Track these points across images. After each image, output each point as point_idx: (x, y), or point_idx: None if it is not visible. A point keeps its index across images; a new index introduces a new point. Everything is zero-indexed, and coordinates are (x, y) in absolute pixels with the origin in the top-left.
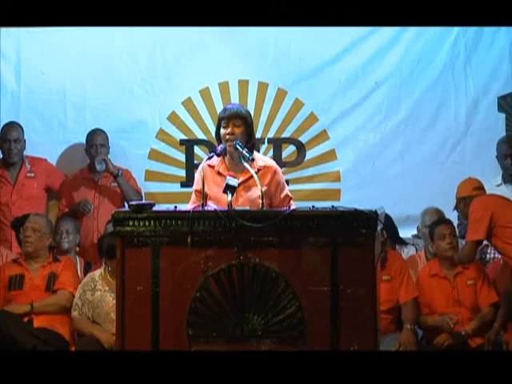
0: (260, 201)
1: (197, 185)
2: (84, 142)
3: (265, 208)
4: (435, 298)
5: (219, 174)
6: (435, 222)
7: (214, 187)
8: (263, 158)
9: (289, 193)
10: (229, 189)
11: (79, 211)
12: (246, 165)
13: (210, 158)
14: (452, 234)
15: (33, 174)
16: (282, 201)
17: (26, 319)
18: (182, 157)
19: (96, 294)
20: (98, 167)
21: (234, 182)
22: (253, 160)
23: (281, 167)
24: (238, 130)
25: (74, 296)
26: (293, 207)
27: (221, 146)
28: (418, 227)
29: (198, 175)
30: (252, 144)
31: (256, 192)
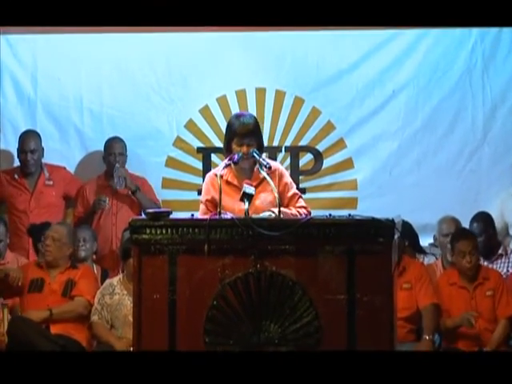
0: (277, 208)
1: (207, 195)
2: (101, 148)
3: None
4: (453, 307)
5: (227, 183)
6: (457, 235)
7: (224, 197)
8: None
9: (297, 191)
10: (246, 197)
11: (96, 209)
12: (263, 173)
13: (227, 166)
14: (472, 252)
15: (51, 182)
16: (290, 199)
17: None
18: (199, 164)
19: (114, 298)
20: (117, 186)
21: (251, 189)
22: (270, 168)
23: (298, 175)
24: (252, 148)
25: (90, 304)
26: (302, 205)
27: (237, 154)
28: (434, 236)
29: (207, 185)
30: (262, 152)
31: (267, 197)
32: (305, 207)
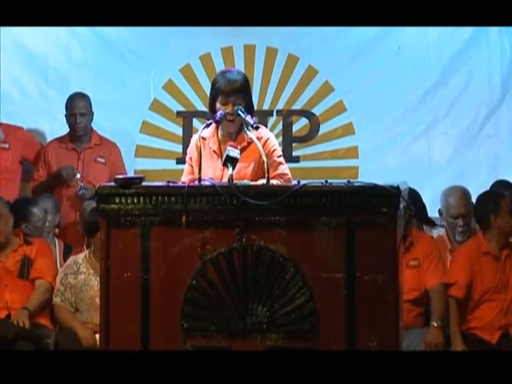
0: (266, 174)
1: (190, 154)
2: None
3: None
4: (480, 281)
5: (209, 148)
6: (500, 194)
7: (204, 163)
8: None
9: (280, 159)
10: (230, 161)
11: (61, 178)
12: (249, 133)
13: (208, 126)
14: None
15: (7, 145)
16: (270, 165)
17: (4, 315)
18: (178, 130)
19: (79, 278)
20: (80, 193)
21: (235, 152)
22: (257, 128)
23: (291, 142)
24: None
25: (52, 286)
26: (279, 172)
27: (220, 112)
28: (439, 210)
29: (191, 147)
30: (251, 115)
31: (251, 164)
32: (283, 174)
